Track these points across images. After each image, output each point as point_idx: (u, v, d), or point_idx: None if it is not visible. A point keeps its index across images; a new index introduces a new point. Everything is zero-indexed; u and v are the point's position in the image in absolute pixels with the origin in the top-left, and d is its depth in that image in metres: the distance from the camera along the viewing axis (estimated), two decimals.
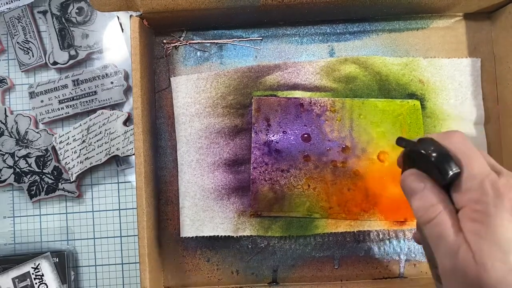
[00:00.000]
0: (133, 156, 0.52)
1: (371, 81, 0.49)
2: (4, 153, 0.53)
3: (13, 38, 0.54)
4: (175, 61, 0.51)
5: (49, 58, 0.53)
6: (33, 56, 0.54)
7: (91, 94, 0.53)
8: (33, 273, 0.51)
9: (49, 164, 0.53)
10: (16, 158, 0.53)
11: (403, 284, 0.49)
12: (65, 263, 0.52)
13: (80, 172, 0.52)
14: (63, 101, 0.53)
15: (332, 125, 0.49)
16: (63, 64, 0.53)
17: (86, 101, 0.53)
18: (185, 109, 0.49)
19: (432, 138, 0.33)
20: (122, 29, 0.54)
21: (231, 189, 0.49)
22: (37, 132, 0.53)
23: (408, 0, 0.46)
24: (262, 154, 0.49)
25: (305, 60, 0.50)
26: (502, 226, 0.27)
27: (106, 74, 0.53)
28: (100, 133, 0.52)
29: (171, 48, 0.51)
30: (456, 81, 0.49)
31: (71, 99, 0.53)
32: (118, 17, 0.54)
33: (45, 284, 0.51)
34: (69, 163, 0.52)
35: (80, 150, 0.52)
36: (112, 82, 0.53)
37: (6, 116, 0.53)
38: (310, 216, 0.48)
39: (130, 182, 0.54)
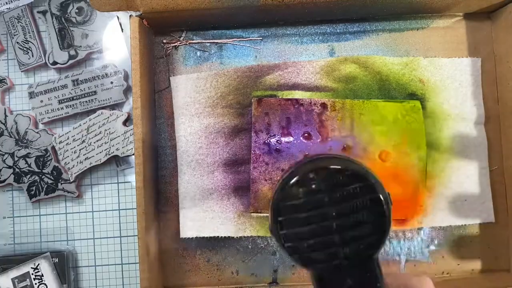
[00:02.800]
0: (133, 156, 0.52)
1: (371, 81, 0.49)
2: (3, 153, 0.53)
3: (13, 38, 0.54)
4: (175, 61, 0.51)
5: (48, 58, 0.53)
6: (32, 56, 0.53)
7: (90, 94, 0.53)
8: (32, 273, 0.51)
9: (49, 164, 0.53)
10: (16, 158, 0.53)
11: None
12: (65, 263, 0.52)
13: (79, 172, 0.52)
14: (62, 101, 0.53)
15: (333, 124, 0.48)
16: (63, 64, 0.53)
17: (86, 101, 0.53)
18: (185, 109, 0.49)
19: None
20: (122, 29, 0.53)
21: (231, 189, 0.49)
22: (37, 132, 0.53)
23: (408, 0, 0.46)
24: (262, 153, 0.48)
25: (305, 60, 0.50)
26: None
27: (106, 74, 0.53)
28: (99, 133, 0.52)
29: (171, 48, 0.51)
30: (456, 81, 0.49)
31: (71, 99, 0.53)
32: (118, 17, 0.53)
33: (45, 284, 0.51)
34: (68, 163, 0.52)
35: (79, 150, 0.52)
36: (112, 82, 0.53)
37: (6, 116, 0.53)
38: None
39: (130, 182, 0.54)
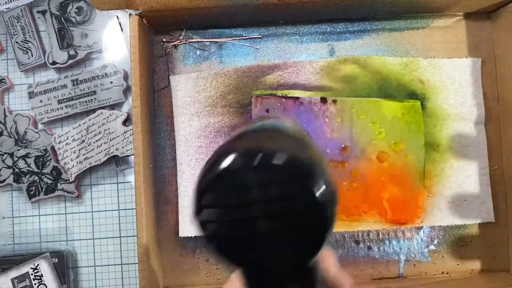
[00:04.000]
0: (133, 156, 0.52)
1: (371, 81, 0.49)
2: (3, 153, 0.53)
3: (12, 38, 0.54)
4: (174, 60, 0.51)
5: (48, 58, 0.53)
6: (32, 56, 0.53)
7: (90, 94, 0.53)
8: (32, 274, 0.51)
9: (48, 164, 0.53)
10: (15, 158, 0.53)
11: (402, 284, 0.48)
12: (64, 263, 0.52)
13: (79, 172, 0.52)
14: (62, 101, 0.53)
15: (332, 125, 0.48)
16: (62, 64, 0.53)
17: (86, 101, 0.53)
18: (185, 108, 0.49)
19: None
20: (122, 29, 0.53)
21: None
22: (36, 132, 0.53)
23: None
24: None
25: (305, 59, 0.50)
26: None
27: (106, 74, 0.53)
28: (99, 133, 0.52)
29: (170, 47, 0.51)
30: (456, 81, 0.49)
31: (70, 99, 0.53)
32: (117, 17, 0.53)
33: (44, 284, 0.51)
34: (68, 163, 0.52)
35: (79, 150, 0.52)
36: (111, 82, 0.53)
37: (5, 116, 0.53)
38: None
39: (129, 182, 0.53)
